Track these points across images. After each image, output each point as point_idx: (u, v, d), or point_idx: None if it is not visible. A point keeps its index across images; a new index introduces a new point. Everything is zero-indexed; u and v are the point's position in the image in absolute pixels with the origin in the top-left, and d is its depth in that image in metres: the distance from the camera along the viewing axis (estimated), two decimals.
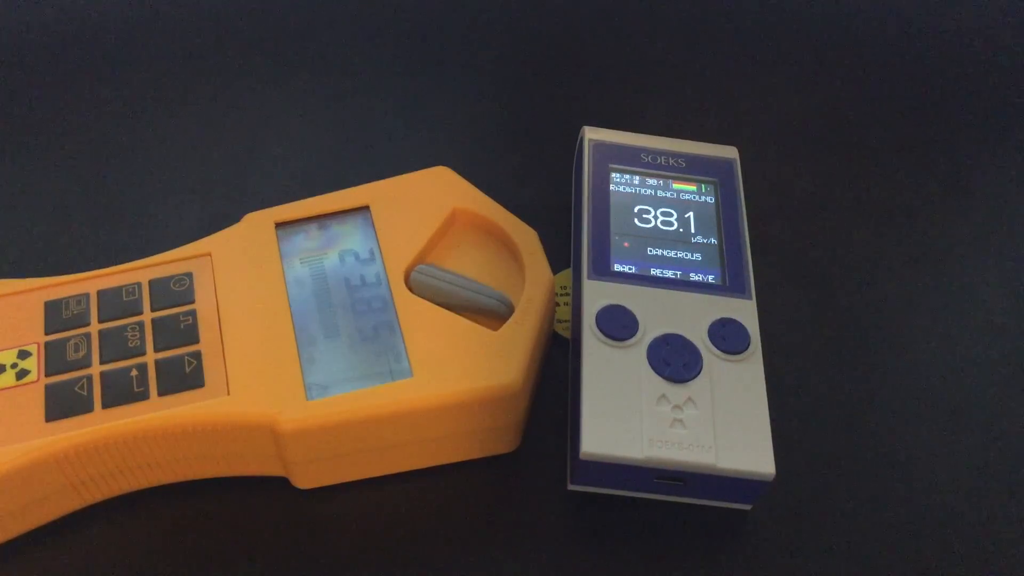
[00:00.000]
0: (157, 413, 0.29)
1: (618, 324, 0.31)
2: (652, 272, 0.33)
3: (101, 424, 0.29)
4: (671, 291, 0.32)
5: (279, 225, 0.34)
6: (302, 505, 0.31)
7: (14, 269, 0.37)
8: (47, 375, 0.30)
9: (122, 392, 0.29)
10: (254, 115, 0.44)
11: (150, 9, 0.49)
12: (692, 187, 0.36)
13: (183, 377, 0.30)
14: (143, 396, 0.29)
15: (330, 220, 0.35)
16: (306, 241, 0.34)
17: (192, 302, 0.32)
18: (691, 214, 0.35)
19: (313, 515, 0.31)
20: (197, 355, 0.30)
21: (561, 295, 0.36)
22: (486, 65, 0.47)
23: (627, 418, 0.29)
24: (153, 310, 0.32)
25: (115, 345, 0.31)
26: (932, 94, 0.46)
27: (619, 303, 0.31)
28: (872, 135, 0.44)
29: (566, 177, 0.41)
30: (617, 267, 0.33)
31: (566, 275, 0.37)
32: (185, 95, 0.45)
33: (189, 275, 0.32)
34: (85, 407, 0.29)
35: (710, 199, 0.35)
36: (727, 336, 0.31)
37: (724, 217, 0.35)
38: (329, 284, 0.33)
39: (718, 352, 0.30)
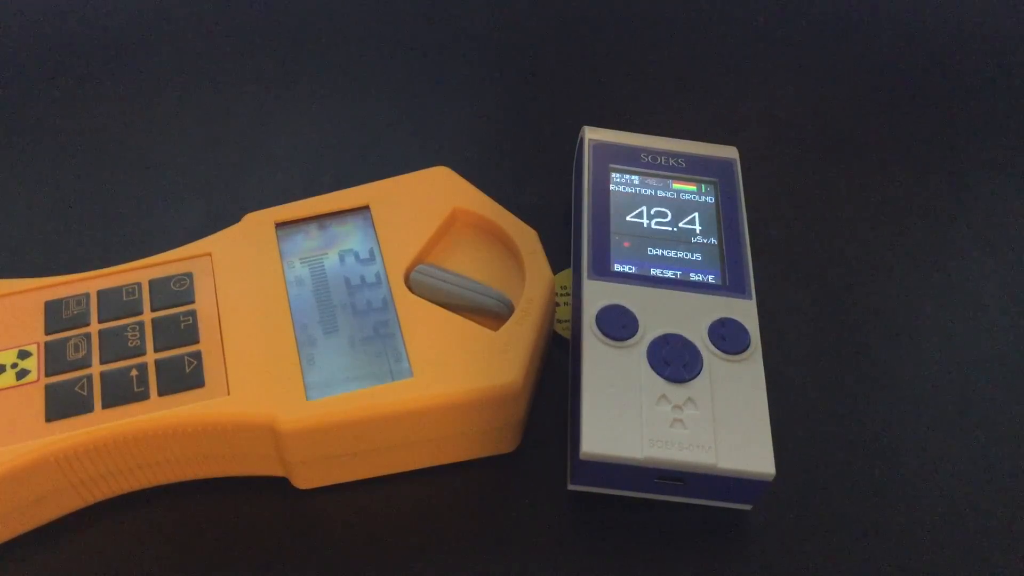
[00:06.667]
0: (157, 413, 0.29)
1: (618, 324, 0.31)
2: (652, 272, 0.33)
3: (101, 424, 0.29)
4: (671, 291, 0.32)
5: (279, 225, 0.34)
6: (302, 505, 0.31)
7: (14, 269, 0.37)
8: (47, 375, 0.30)
9: (122, 392, 0.29)
10: (254, 115, 0.44)
11: (150, 9, 0.49)
12: (692, 187, 0.36)
13: (183, 377, 0.30)
14: (143, 396, 0.29)
15: (330, 220, 0.35)
16: (306, 241, 0.34)
17: (192, 302, 0.32)
18: (691, 214, 0.35)
19: (313, 515, 0.31)
20: (197, 355, 0.30)
21: (561, 295, 0.36)
22: (486, 65, 0.47)
23: (627, 418, 0.29)
24: (153, 310, 0.32)
25: (115, 345, 0.31)
26: (932, 94, 0.46)
27: (619, 303, 0.31)
28: (872, 135, 0.44)
29: (566, 177, 0.41)
30: (617, 267, 0.33)
31: (566, 275, 0.37)
32: (185, 95, 0.45)
33: (189, 275, 0.32)
34: (85, 407, 0.29)
35: (710, 199, 0.35)
36: (727, 336, 0.31)
37: (724, 217, 0.35)
38: (329, 284, 0.33)
39: (718, 352, 0.30)
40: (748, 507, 0.30)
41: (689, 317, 0.31)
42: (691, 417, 0.29)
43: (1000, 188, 0.42)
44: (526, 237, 0.34)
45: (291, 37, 0.48)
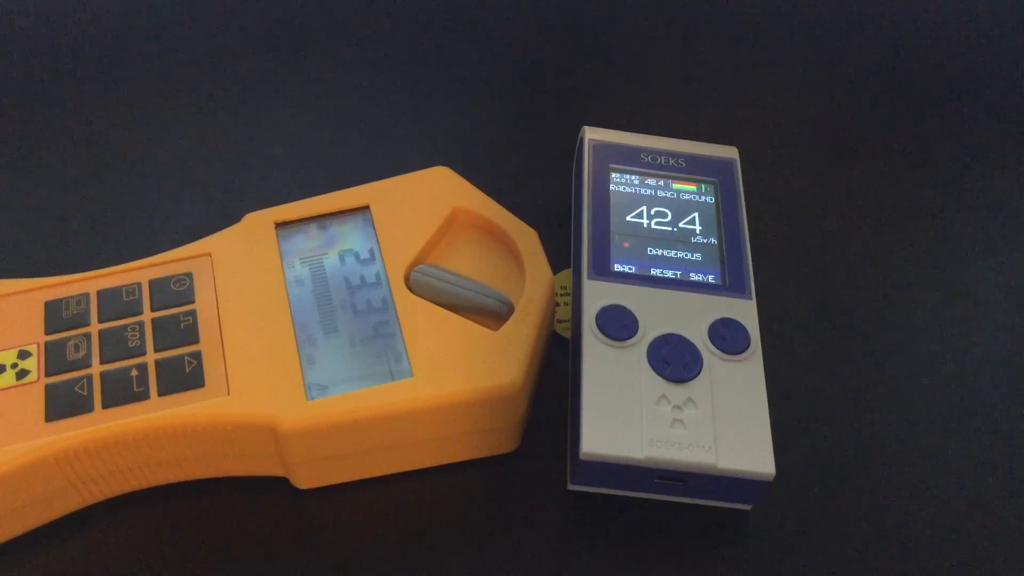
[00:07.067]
0: (157, 413, 0.29)
1: (618, 324, 0.31)
2: (652, 272, 0.33)
3: (101, 424, 0.29)
4: (671, 291, 0.32)
5: (279, 225, 0.34)
6: (302, 505, 0.31)
7: (14, 269, 0.37)
8: (47, 375, 0.30)
9: (122, 392, 0.29)
10: (254, 115, 0.44)
11: (150, 9, 0.49)
12: (692, 187, 0.36)
13: (183, 377, 0.30)
14: (143, 396, 0.29)
15: (330, 220, 0.35)
16: (306, 241, 0.34)
17: (192, 302, 0.32)
18: (691, 214, 0.35)
19: (313, 515, 0.31)
20: (197, 355, 0.30)
21: (561, 295, 0.36)
22: (486, 65, 0.47)
23: (627, 418, 0.29)
24: (153, 310, 0.32)
25: (115, 345, 0.31)
26: (932, 95, 0.46)
27: (619, 303, 0.31)
28: (872, 135, 0.44)
29: (566, 177, 0.41)
30: (617, 267, 0.33)
31: (566, 275, 0.37)
32: (185, 95, 0.45)
33: (189, 275, 0.32)
34: (85, 407, 0.29)
35: (710, 199, 0.35)
36: (727, 336, 0.31)
37: (724, 217, 0.35)
38: (329, 284, 0.33)
39: (718, 352, 0.30)
40: (748, 507, 0.30)
41: (689, 317, 0.31)
42: (691, 417, 0.29)
43: (1000, 188, 0.42)
44: (526, 237, 0.34)
45: (290, 37, 0.48)
